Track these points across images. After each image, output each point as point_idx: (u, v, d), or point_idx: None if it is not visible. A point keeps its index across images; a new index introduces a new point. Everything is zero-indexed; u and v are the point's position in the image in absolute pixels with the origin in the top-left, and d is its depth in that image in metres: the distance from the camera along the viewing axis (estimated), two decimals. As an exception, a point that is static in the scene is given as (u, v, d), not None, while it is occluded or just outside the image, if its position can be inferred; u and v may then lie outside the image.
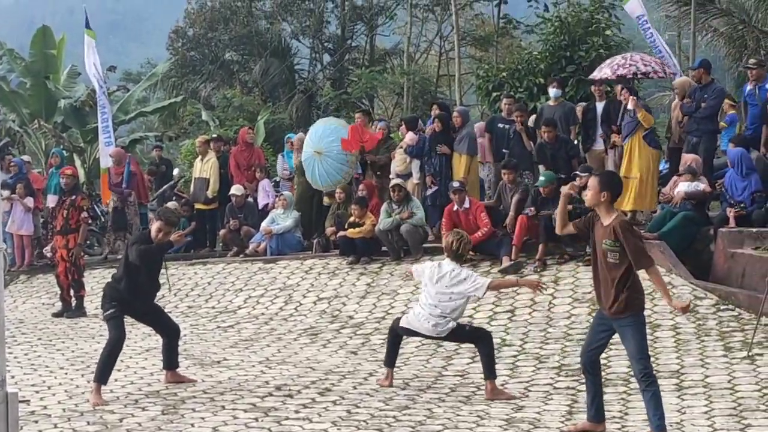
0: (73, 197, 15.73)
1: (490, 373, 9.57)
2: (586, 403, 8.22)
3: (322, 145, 17.05)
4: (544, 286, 10.38)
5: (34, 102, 27.65)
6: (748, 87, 16.05)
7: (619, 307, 7.69)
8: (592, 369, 8.09)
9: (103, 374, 9.68)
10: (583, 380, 8.30)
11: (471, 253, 14.76)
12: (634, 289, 7.72)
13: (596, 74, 17.17)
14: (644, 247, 7.88)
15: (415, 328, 9.91)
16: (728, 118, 16.98)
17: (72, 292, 15.63)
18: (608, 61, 17.39)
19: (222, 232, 18.55)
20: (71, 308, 15.54)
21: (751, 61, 16.92)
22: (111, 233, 19.36)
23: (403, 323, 10.03)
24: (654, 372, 7.78)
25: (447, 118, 17.13)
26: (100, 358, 9.81)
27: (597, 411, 8.14)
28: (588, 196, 7.93)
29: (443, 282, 9.75)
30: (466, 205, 15.18)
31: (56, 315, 15.54)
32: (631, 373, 9.52)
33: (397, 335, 10.24)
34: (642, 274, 7.81)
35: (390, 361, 10.22)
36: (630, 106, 15.22)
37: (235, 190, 18.37)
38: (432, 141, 16.90)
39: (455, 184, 15.40)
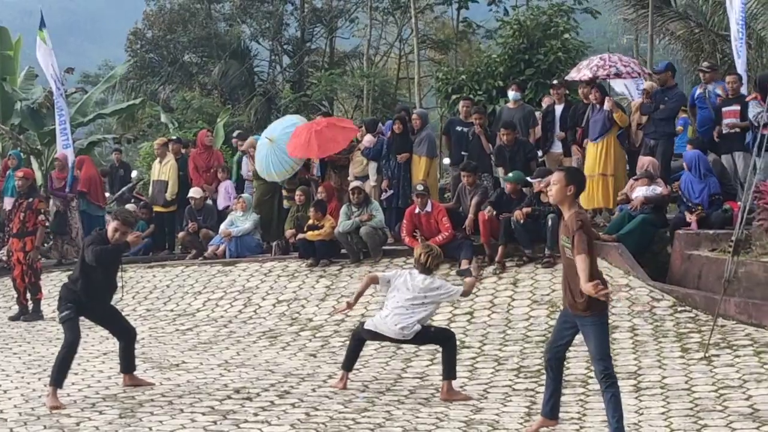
0: (30, 199, 15.56)
1: (449, 373, 9.60)
2: (543, 400, 8.21)
3: (275, 134, 17.08)
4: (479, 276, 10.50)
5: (-10, 104, 27.36)
6: (698, 90, 16.16)
7: (581, 306, 7.65)
8: (556, 365, 8.06)
9: (59, 377, 9.59)
10: (542, 382, 8.30)
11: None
12: None
13: (574, 75, 17.19)
14: (585, 238, 7.55)
15: (381, 332, 9.92)
16: (681, 121, 17.11)
17: (29, 296, 15.48)
18: (586, 62, 17.45)
19: (180, 234, 18.46)
20: (28, 311, 15.39)
21: (705, 64, 17.07)
22: (57, 237, 19.12)
23: (369, 326, 10.03)
24: (615, 373, 7.77)
25: (407, 119, 17.19)
26: (55, 361, 9.72)
27: (552, 409, 8.12)
28: (553, 191, 7.76)
29: (416, 289, 9.79)
30: (428, 208, 15.20)
31: (13, 318, 15.39)
32: (590, 374, 9.59)
33: (360, 339, 10.23)
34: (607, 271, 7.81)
35: (349, 365, 10.21)
36: (606, 107, 15.40)
37: (194, 192, 18.30)
38: (391, 144, 16.94)
39: (419, 188, 15.41)
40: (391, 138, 17.04)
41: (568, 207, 7.72)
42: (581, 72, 16.94)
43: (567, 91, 17.49)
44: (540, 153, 16.85)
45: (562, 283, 7.95)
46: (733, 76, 15.43)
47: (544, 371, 8.35)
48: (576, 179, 7.79)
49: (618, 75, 16.98)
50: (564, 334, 8.05)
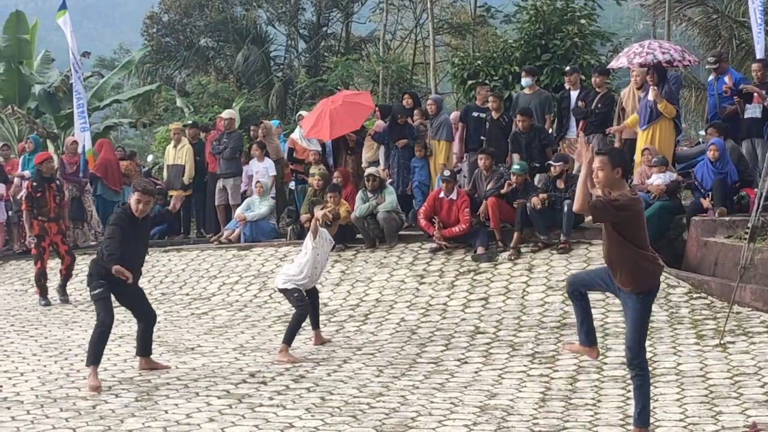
0: (58, 182, 15.56)
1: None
2: (576, 328, 8.03)
3: None
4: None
5: (7, 88, 27.48)
6: (710, 77, 16.15)
7: (625, 282, 7.40)
8: (578, 295, 7.82)
9: (95, 357, 9.59)
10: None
11: (445, 243, 14.87)
12: (643, 269, 7.36)
13: (613, 64, 17.02)
14: (602, 202, 7.23)
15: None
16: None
17: (65, 273, 15.32)
18: (625, 50, 17.27)
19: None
20: (46, 296, 15.27)
21: (710, 59, 16.64)
22: (70, 222, 19.00)
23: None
24: (645, 363, 7.62)
25: (405, 111, 17.32)
26: (90, 341, 9.66)
27: (587, 335, 7.91)
28: (600, 176, 7.30)
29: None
30: (453, 195, 15.10)
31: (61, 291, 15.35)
32: (605, 360, 9.59)
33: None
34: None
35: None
36: (650, 97, 15.01)
37: (226, 114, 19.16)
38: (390, 133, 16.98)
39: (446, 173, 15.33)
40: (390, 126, 17.12)
41: (618, 189, 7.31)
42: (619, 60, 16.66)
43: (583, 76, 17.35)
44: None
45: (609, 265, 7.60)
46: (758, 64, 15.23)
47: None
48: (621, 160, 7.46)
49: (669, 63, 16.51)
50: (594, 286, 7.85)
